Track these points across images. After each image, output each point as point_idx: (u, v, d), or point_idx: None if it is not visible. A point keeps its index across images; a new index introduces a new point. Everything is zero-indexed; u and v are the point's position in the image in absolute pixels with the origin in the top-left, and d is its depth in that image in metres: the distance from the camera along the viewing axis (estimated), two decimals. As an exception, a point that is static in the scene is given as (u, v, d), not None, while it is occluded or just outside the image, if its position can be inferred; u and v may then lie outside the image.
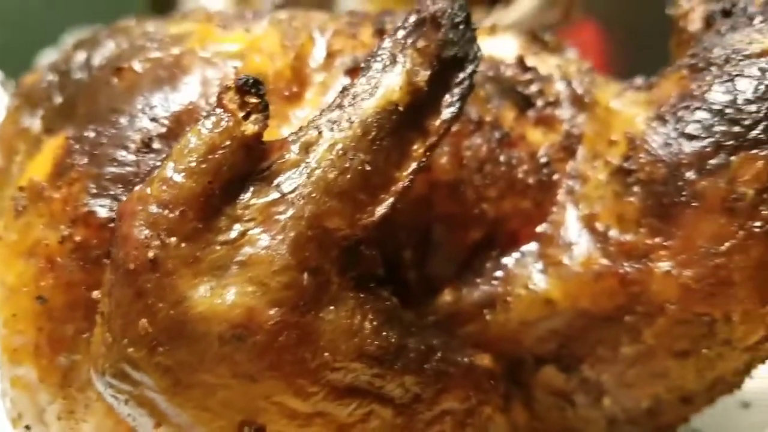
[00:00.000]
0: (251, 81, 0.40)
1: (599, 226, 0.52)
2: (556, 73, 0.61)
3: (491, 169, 0.55)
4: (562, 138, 0.57)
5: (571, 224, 0.54)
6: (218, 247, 0.38)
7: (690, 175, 0.49)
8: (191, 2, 1.39)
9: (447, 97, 0.47)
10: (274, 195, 0.40)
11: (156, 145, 0.48)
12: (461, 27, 0.48)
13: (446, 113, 0.47)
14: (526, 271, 0.54)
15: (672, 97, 0.52)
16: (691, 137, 0.50)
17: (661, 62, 0.60)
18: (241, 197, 0.40)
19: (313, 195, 0.40)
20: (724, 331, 0.51)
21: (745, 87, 0.50)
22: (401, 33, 0.47)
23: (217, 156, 0.39)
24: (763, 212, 0.48)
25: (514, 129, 0.57)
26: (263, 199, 0.40)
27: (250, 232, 0.39)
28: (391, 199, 0.44)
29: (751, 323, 0.51)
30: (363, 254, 0.49)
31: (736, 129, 0.49)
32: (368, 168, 0.43)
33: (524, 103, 0.59)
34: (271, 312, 0.38)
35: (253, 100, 0.40)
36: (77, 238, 0.46)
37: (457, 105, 0.47)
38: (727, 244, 0.49)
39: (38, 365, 0.47)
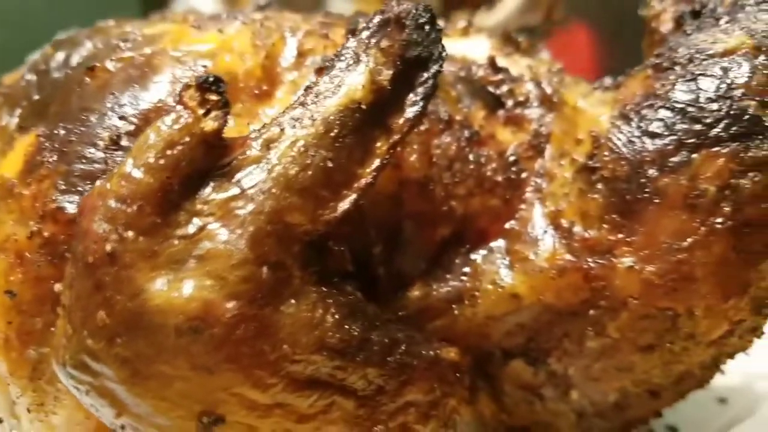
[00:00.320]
0: (211, 79, 0.41)
1: (564, 222, 0.53)
2: (527, 73, 0.62)
3: (460, 168, 0.55)
4: (530, 137, 0.58)
5: (537, 221, 0.55)
6: (176, 241, 0.39)
7: (652, 172, 0.50)
8: (182, 3, 1.40)
9: (411, 96, 0.48)
10: (234, 190, 0.41)
11: (124, 142, 0.48)
12: (426, 28, 0.49)
13: (410, 112, 0.48)
14: (494, 266, 0.54)
15: (636, 96, 0.53)
16: (654, 135, 0.51)
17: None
18: (200, 192, 0.40)
19: (273, 191, 0.41)
20: (688, 325, 0.52)
21: (708, 86, 0.51)
22: (365, 33, 0.48)
23: (175, 152, 0.39)
24: (724, 209, 0.49)
25: (484, 128, 0.58)
26: (223, 195, 0.40)
27: (208, 227, 0.40)
28: (354, 196, 0.45)
29: (714, 318, 0.52)
30: (331, 250, 0.50)
31: (698, 127, 0.50)
32: (330, 165, 0.44)
33: (494, 102, 0.60)
34: (229, 305, 0.39)
35: (213, 97, 0.40)
36: (46, 234, 0.47)
37: (421, 104, 0.48)
38: (689, 240, 0.49)
39: (8, 358, 0.48)
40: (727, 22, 0.55)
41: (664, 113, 0.51)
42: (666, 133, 0.50)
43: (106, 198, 0.39)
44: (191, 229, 0.39)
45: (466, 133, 0.56)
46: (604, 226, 0.51)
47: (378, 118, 0.47)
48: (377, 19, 0.48)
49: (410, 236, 0.55)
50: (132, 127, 0.49)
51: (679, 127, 0.50)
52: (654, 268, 0.50)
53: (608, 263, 0.51)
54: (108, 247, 0.38)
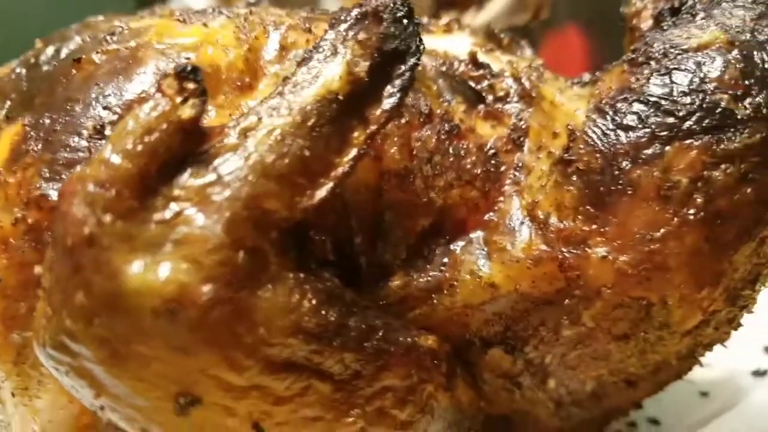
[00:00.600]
0: (189, 68, 0.42)
1: (540, 213, 0.54)
2: (507, 69, 0.63)
3: (440, 160, 0.56)
4: (509, 131, 0.59)
5: (515, 212, 0.56)
6: (153, 225, 0.40)
7: (626, 164, 0.51)
8: (177, 2, 1.41)
9: (388, 88, 0.49)
10: (211, 177, 0.42)
11: (108, 131, 0.49)
12: (403, 21, 0.50)
13: (387, 103, 0.49)
14: (472, 257, 0.55)
15: (612, 90, 0.54)
16: (628, 128, 0.52)
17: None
18: (178, 178, 0.41)
19: (250, 177, 0.42)
20: (662, 315, 0.53)
21: (681, 80, 0.52)
22: (344, 26, 0.49)
23: (153, 138, 0.40)
24: (697, 200, 0.50)
25: (464, 122, 0.59)
26: (200, 181, 0.41)
27: (185, 212, 0.40)
28: (331, 184, 0.46)
29: (688, 308, 0.53)
30: (312, 239, 0.51)
31: (671, 120, 0.51)
32: (307, 153, 0.45)
33: (475, 97, 0.61)
34: (204, 288, 0.39)
35: (191, 85, 0.41)
36: (30, 221, 0.48)
37: (398, 95, 0.49)
38: (662, 231, 0.50)
39: (-8, 343, 0.49)
40: (702, 18, 0.57)
41: (638, 107, 0.52)
42: (639, 126, 0.51)
43: (85, 182, 0.40)
44: (168, 213, 0.40)
45: (447, 127, 0.57)
46: (579, 217, 0.52)
47: (355, 108, 0.48)
48: (355, 12, 0.49)
49: (391, 227, 0.56)
50: (115, 117, 0.50)
51: (652, 120, 0.51)
52: (627, 258, 0.51)
53: (582, 253, 0.52)
54: (86, 230, 0.39)
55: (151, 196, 0.40)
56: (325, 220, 0.52)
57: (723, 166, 0.50)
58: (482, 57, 0.64)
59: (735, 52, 0.52)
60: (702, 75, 0.52)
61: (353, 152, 0.47)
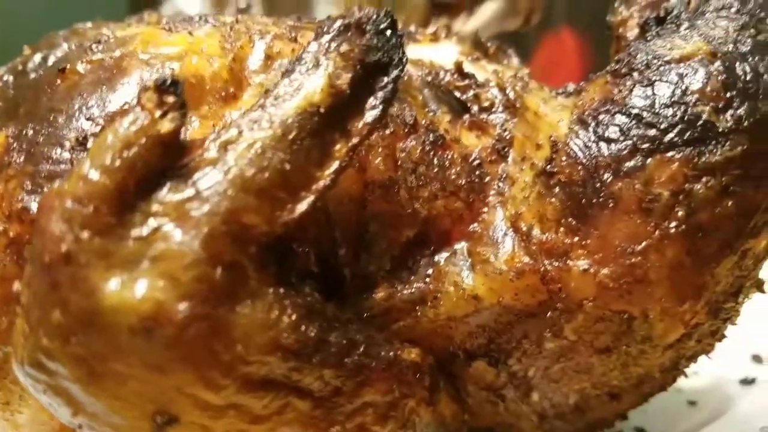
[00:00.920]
0: (169, 81, 0.42)
1: (523, 225, 0.54)
2: (493, 79, 0.63)
3: (425, 171, 0.56)
4: (494, 141, 0.59)
5: (498, 224, 0.56)
6: (131, 242, 0.40)
7: (607, 177, 0.51)
8: (170, 7, 1.42)
9: (371, 100, 0.49)
10: (190, 192, 0.41)
11: (91, 143, 0.49)
12: (386, 33, 0.50)
13: (369, 116, 0.49)
14: (456, 268, 0.55)
15: (595, 101, 0.54)
16: (610, 140, 0.52)
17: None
18: (157, 193, 0.41)
19: (229, 192, 0.42)
20: (643, 328, 0.53)
21: (663, 91, 0.52)
22: (326, 38, 0.49)
23: (131, 153, 0.40)
24: (678, 213, 0.50)
25: (449, 132, 0.59)
26: (178, 196, 0.41)
27: (163, 228, 0.40)
28: (312, 198, 0.46)
29: (670, 321, 0.53)
30: (295, 251, 0.51)
31: (653, 132, 0.51)
32: (287, 167, 0.45)
33: (460, 107, 0.61)
34: (181, 306, 0.39)
35: (171, 99, 0.41)
36: (11, 234, 0.48)
37: (380, 108, 0.49)
38: (643, 244, 0.50)
39: (-25, 357, 0.49)
40: (686, 29, 0.57)
41: (620, 119, 0.52)
42: (621, 139, 0.51)
43: (63, 198, 0.40)
44: (146, 229, 0.40)
45: (431, 137, 0.57)
46: (561, 229, 0.52)
47: (337, 121, 0.48)
48: (338, 24, 0.49)
49: (375, 238, 0.56)
50: (98, 129, 0.50)
51: (634, 132, 0.51)
52: (608, 271, 0.51)
53: (564, 266, 0.52)
54: (64, 247, 0.39)
55: (130, 212, 0.40)
56: (307, 232, 0.52)
57: (704, 179, 0.50)
58: (468, 66, 0.64)
59: (717, 63, 0.52)
60: (684, 87, 0.52)
61: (335, 165, 0.47)
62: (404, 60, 0.50)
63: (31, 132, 0.51)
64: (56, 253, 0.39)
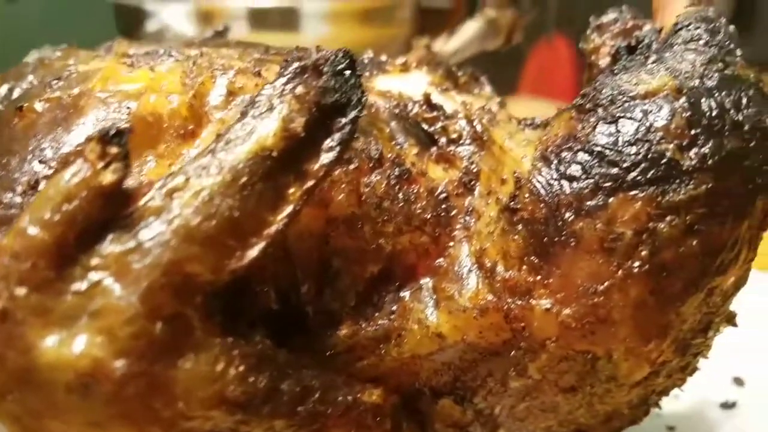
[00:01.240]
0: (113, 131, 0.41)
1: (488, 261, 0.53)
2: (461, 110, 0.62)
3: (390, 205, 0.55)
4: (461, 174, 0.58)
5: (464, 259, 0.55)
6: (70, 297, 0.39)
7: (569, 215, 0.50)
8: (156, 22, 1.41)
9: (327, 142, 0.48)
10: (131, 243, 0.41)
11: (42, 186, 0.49)
12: (345, 74, 0.49)
13: (325, 157, 0.48)
14: (421, 305, 0.55)
15: (558, 137, 0.53)
16: (572, 178, 0.51)
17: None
18: (98, 246, 0.41)
19: (172, 243, 0.41)
20: (608, 368, 0.52)
21: (627, 129, 0.51)
22: (281, 80, 0.48)
23: (72, 206, 0.40)
24: (641, 252, 0.49)
25: (416, 165, 0.58)
26: (120, 248, 0.41)
27: (103, 282, 0.40)
28: (263, 244, 0.45)
29: (635, 361, 0.52)
30: (252, 291, 0.51)
31: (615, 171, 0.50)
32: (237, 214, 0.44)
33: (427, 140, 0.61)
34: (118, 363, 0.39)
35: (114, 149, 0.41)
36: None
37: (337, 149, 0.48)
38: (606, 284, 0.50)
39: None
40: (653, 62, 0.56)
41: (582, 156, 0.51)
42: (583, 177, 0.50)
43: (1, 254, 0.39)
44: (86, 284, 0.40)
45: (397, 171, 0.56)
46: (524, 267, 0.51)
47: (291, 164, 0.47)
48: (294, 65, 0.49)
49: (339, 274, 0.55)
50: (51, 172, 0.49)
51: (596, 170, 0.50)
52: (570, 311, 0.50)
53: (527, 305, 0.51)
54: (0, 305, 0.39)
55: (70, 266, 0.40)
56: (265, 270, 0.51)
57: (668, 218, 0.49)
58: (437, 98, 0.64)
59: (682, 99, 0.51)
60: (648, 124, 0.51)
61: (288, 209, 0.47)
62: (363, 100, 0.50)
63: None
64: (-7, 312, 0.39)
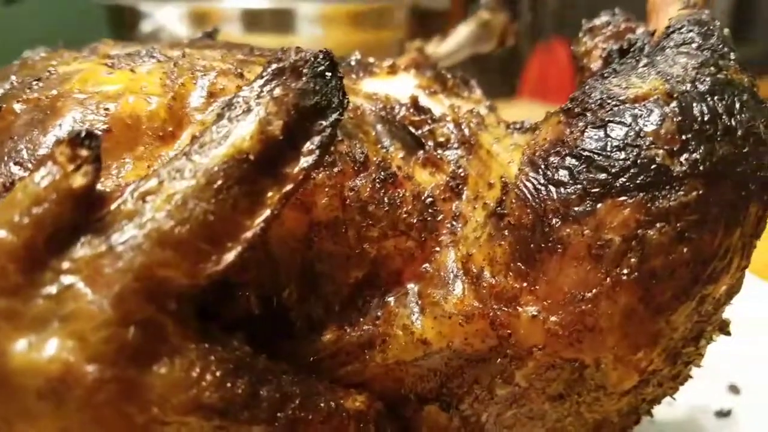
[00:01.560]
0: (84, 134, 0.40)
1: (474, 267, 0.52)
2: (449, 113, 0.61)
3: (374, 210, 0.54)
4: (448, 178, 0.57)
5: (450, 265, 0.54)
6: (41, 301, 0.38)
7: (555, 221, 0.49)
8: (151, 23, 1.40)
9: (307, 145, 0.47)
10: (103, 247, 0.40)
11: None
12: (325, 75, 0.48)
13: (304, 161, 0.47)
14: (406, 310, 0.53)
15: (546, 142, 0.52)
16: (559, 184, 0.50)
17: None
18: (69, 250, 0.40)
19: (144, 247, 0.40)
20: (596, 376, 0.51)
21: (616, 134, 0.50)
22: (259, 82, 0.47)
23: (41, 210, 0.39)
24: (630, 260, 0.48)
25: (402, 169, 0.57)
26: (91, 252, 0.40)
27: (75, 286, 0.39)
28: (240, 248, 0.44)
29: (624, 370, 0.51)
30: (232, 295, 0.50)
31: (603, 176, 0.49)
32: (211, 218, 0.43)
33: (414, 143, 0.59)
34: (89, 367, 0.38)
35: (84, 152, 0.40)
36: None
37: (317, 153, 0.47)
38: (593, 291, 0.48)
39: None
40: (644, 65, 0.55)
41: (570, 161, 0.50)
42: (570, 182, 0.49)
43: (-31, 259, 0.38)
44: (57, 287, 0.39)
45: (383, 175, 0.55)
46: (510, 273, 0.50)
47: (269, 167, 0.46)
48: (272, 67, 0.48)
49: (322, 279, 0.54)
50: (27, 174, 0.48)
51: (584, 176, 0.49)
52: (557, 319, 0.49)
53: (513, 311, 0.50)
54: (-31, 310, 0.38)
55: (40, 270, 0.39)
56: (246, 275, 0.50)
57: (658, 225, 0.48)
58: (424, 101, 0.63)
59: (673, 104, 0.50)
60: (638, 129, 0.49)
61: (266, 213, 0.45)
62: (344, 103, 0.49)
63: None
64: (-37, 317, 0.38)
